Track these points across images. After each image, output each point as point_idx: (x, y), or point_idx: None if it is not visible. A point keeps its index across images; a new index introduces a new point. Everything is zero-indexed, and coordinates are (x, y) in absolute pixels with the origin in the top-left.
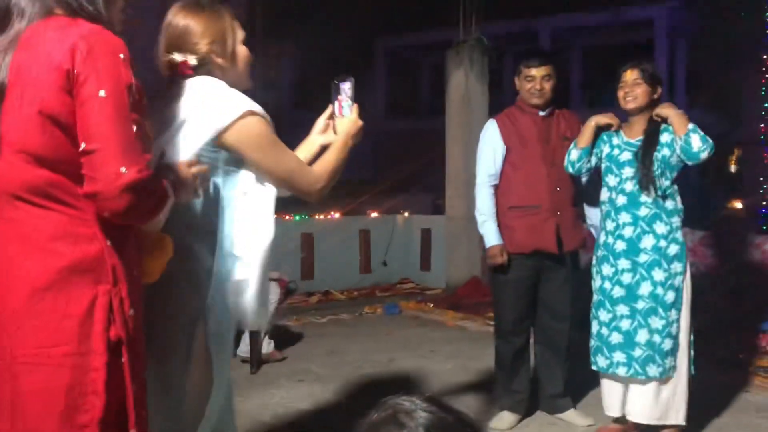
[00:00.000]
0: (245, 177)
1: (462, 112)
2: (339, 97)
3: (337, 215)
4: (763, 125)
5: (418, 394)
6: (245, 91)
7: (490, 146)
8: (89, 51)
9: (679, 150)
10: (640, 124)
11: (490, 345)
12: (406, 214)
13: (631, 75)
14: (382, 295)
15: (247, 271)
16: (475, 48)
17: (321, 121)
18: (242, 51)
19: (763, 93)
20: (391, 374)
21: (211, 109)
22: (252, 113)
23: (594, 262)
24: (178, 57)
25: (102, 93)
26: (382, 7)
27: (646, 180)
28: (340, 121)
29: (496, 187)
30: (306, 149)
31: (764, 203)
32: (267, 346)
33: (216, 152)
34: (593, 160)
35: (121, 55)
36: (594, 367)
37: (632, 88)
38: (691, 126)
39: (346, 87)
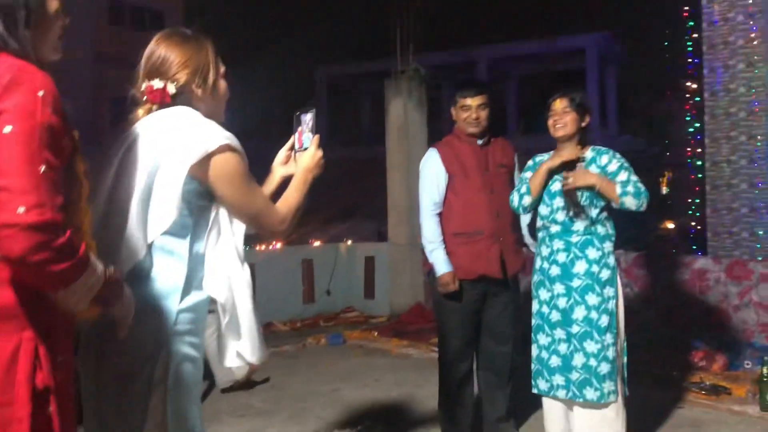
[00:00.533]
0: (217, 213)
1: (401, 141)
2: (300, 128)
3: (278, 245)
4: (689, 149)
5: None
6: None
7: (433, 174)
8: (6, 88)
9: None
10: (569, 151)
11: (434, 371)
12: (349, 242)
13: (560, 104)
14: (326, 325)
15: (234, 312)
16: (413, 78)
17: (282, 152)
18: (222, 85)
19: (687, 118)
20: (335, 406)
21: (188, 139)
22: (229, 147)
23: (532, 286)
24: (157, 84)
25: (7, 129)
26: (322, 37)
27: (575, 209)
28: (300, 154)
29: (440, 215)
30: (268, 182)
31: (693, 224)
32: (238, 369)
33: (188, 184)
34: None
35: (41, 93)
36: (535, 390)
37: (561, 116)
38: (619, 191)
39: (308, 118)
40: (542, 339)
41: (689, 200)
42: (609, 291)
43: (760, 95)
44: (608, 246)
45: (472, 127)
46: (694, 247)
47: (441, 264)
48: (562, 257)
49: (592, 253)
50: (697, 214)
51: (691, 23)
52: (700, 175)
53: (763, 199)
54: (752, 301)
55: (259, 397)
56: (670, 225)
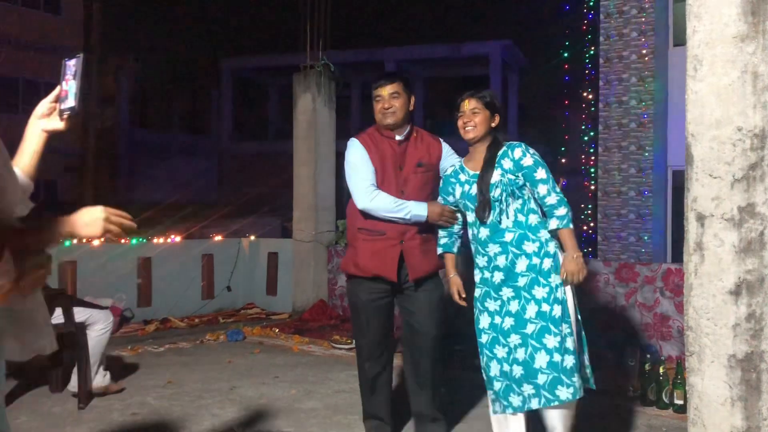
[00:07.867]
0: None
1: (309, 136)
2: (66, 77)
3: (177, 239)
4: (583, 156)
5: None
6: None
7: (361, 159)
8: None
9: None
10: (480, 152)
11: (334, 369)
12: (253, 237)
13: (468, 104)
14: (226, 322)
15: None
16: (322, 73)
17: (45, 103)
18: None
19: (583, 127)
20: (232, 403)
21: None
22: None
23: (475, 302)
24: None
25: None
26: (229, 28)
27: (482, 208)
28: (65, 105)
29: (351, 208)
30: (26, 137)
31: (585, 228)
32: (102, 378)
33: None
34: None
35: None
36: (509, 411)
37: (470, 117)
38: (564, 224)
39: (72, 64)
40: (500, 352)
41: (582, 206)
42: (555, 279)
43: (649, 108)
44: (544, 234)
45: (387, 119)
46: (586, 251)
47: (420, 208)
48: (501, 260)
49: (529, 247)
50: (590, 219)
51: (589, 36)
52: (593, 182)
53: (649, 206)
54: (637, 302)
55: (153, 395)
56: None
